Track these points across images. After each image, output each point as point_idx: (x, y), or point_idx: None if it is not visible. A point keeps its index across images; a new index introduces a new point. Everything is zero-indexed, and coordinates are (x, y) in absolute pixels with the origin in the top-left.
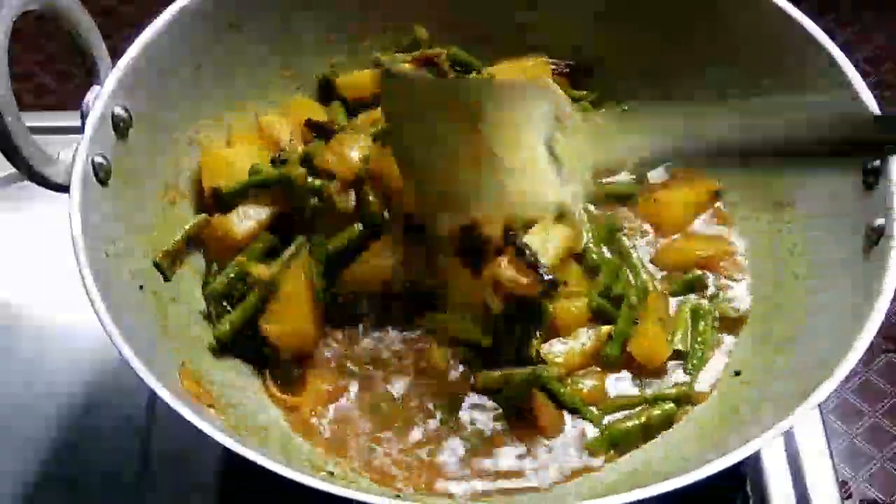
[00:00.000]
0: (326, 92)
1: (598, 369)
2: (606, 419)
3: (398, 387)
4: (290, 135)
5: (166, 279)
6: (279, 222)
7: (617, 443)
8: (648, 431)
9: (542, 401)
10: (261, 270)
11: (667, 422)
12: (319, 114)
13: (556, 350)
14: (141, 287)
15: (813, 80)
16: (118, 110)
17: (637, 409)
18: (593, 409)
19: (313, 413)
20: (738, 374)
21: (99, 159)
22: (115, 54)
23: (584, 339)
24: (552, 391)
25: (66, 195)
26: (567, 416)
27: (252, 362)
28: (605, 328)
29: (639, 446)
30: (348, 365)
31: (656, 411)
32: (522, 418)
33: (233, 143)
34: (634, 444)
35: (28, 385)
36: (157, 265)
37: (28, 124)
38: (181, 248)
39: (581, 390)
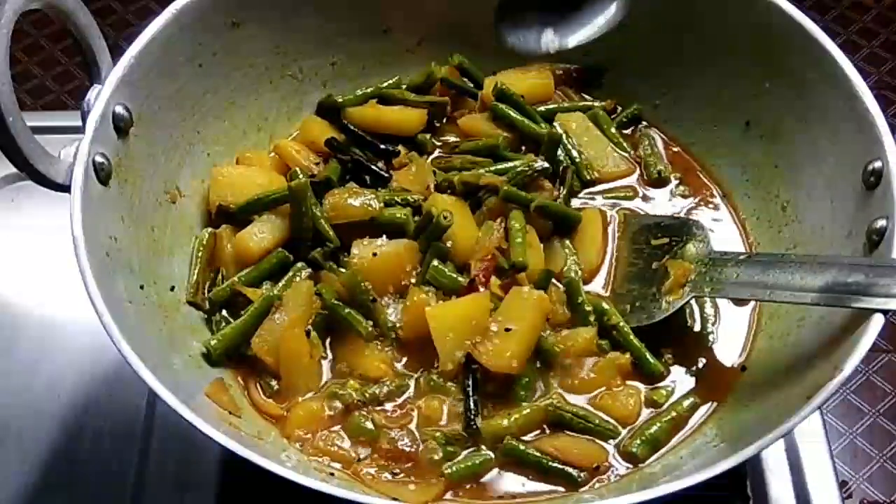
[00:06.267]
0: (327, 112)
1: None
2: (628, 429)
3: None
4: (306, 158)
5: (205, 311)
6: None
7: (655, 444)
8: (678, 426)
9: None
10: (253, 294)
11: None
12: (331, 132)
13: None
14: (141, 287)
15: (813, 80)
16: (119, 109)
17: (662, 409)
18: (614, 422)
19: (299, 430)
20: (744, 369)
21: (100, 159)
22: (116, 53)
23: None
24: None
25: (67, 195)
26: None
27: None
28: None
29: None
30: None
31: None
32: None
33: (242, 161)
34: (667, 441)
35: (28, 385)
36: (191, 303)
37: (28, 124)
38: (205, 274)
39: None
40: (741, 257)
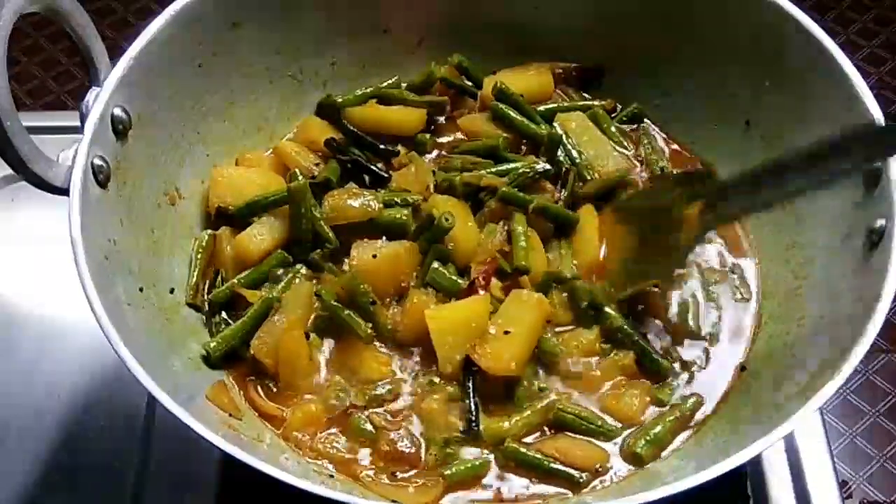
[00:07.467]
0: (326, 112)
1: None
2: (631, 429)
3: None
4: (306, 159)
5: (205, 313)
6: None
7: (659, 444)
8: (681, 426)
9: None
10: (252, 296)
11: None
12: (330, 133)
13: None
14: (140, 289)
15: (813, 80)
16: (117, 111)
17: (666, 408)
18: (617, 423)
19: (298, 432)
20: (744, 369)
21: (98, 161)
22: (116, 54)
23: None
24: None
25: (66, 197)
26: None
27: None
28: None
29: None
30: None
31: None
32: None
33: (242, 162)
34: (671, 441)
35: (28, 385)
36: (190, 305)
37: (27, 124)
38: (205, 276)
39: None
40: (733, 182)
